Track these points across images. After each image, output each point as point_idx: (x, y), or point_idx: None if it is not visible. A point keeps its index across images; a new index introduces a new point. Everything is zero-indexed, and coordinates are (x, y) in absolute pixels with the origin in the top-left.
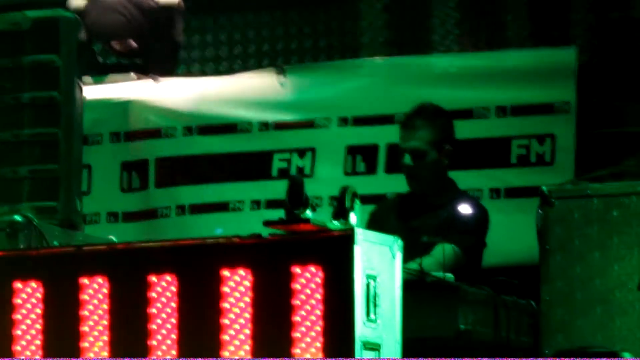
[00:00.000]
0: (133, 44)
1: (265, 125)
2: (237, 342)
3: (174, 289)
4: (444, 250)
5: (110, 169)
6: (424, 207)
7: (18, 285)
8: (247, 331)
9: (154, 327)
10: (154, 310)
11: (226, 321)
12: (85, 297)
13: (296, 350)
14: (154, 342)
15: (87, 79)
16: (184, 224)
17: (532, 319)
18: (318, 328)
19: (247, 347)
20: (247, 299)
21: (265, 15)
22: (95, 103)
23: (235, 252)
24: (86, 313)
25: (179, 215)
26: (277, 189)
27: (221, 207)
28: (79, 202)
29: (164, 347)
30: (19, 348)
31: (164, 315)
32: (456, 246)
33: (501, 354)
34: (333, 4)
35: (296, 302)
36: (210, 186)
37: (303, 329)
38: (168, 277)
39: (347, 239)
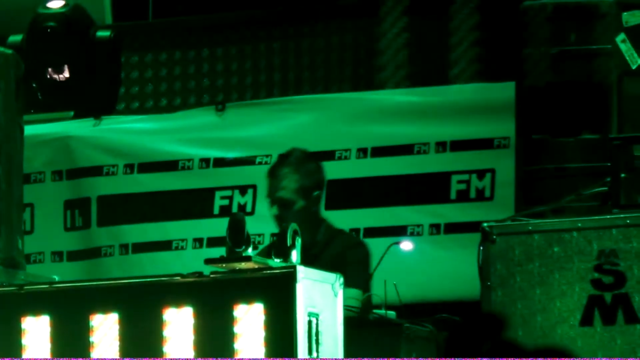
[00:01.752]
0: (68, 72)
1: (206, 162)
2: None
3: (116, 327)
4: (350, 294)
5: (53, 208)
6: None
7: None
8: None
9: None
10: (96, 348)
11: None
12: (27, 336)
13: None
14: None
15: (27, 116)
16: (127, 263)
17: None
18: None
19: None
20: (189, 337)
21: (205, 51)
22: (35, 141)
23: (177, 290)
24: (28, 353)
25: (122, 254)
26: (219, 226)
27: (164, 245)
28: (20, 241)
29: None
30: None
31: (106, 354)
32: (357, 288)
33: None
34: (274, 40)
35: (238, 340)
36: (152, 225)
37: None
38: (110, 316)
39: (288, 277)
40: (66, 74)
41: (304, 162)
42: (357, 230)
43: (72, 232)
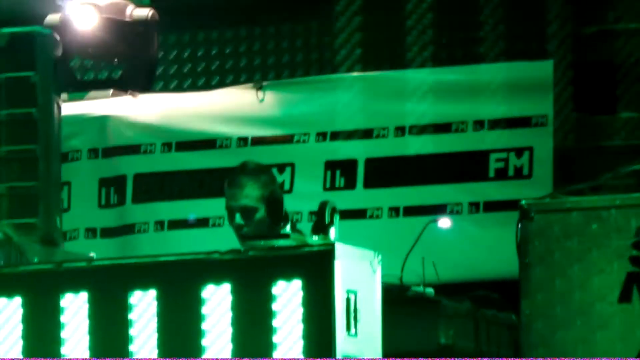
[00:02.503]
0: (105, 51)
1: (244, 141)
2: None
3: (155, 304)
4: None
5: (88, 185)
6: None
7: None
8: (228, 345)
9: (135, 336)
10: (135, 325)
11: (207, 338)
12: (66, 313)
13: None
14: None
15: (64, 95)
16: (162, 240)
17: (512, 332)
18: (299, 342)
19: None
20: (228, 314)
21: (242, 31)
22: (73, 119)
23: (216, 267)
24: (66, 330)
25: (157, 231)
26: None
27: (201, 223)
28: (58, 219)
29: None
30: None
31: (145, 331)
32: None
33: None
34: (311, 20)
35: (277, 316)
36: (189, 202)
37: (285, 343)
38: (149, 293)
39: (327, 254)
40: (104, 54)
41: (261, 172)
42: (396, 209)
43: (106, 209)
